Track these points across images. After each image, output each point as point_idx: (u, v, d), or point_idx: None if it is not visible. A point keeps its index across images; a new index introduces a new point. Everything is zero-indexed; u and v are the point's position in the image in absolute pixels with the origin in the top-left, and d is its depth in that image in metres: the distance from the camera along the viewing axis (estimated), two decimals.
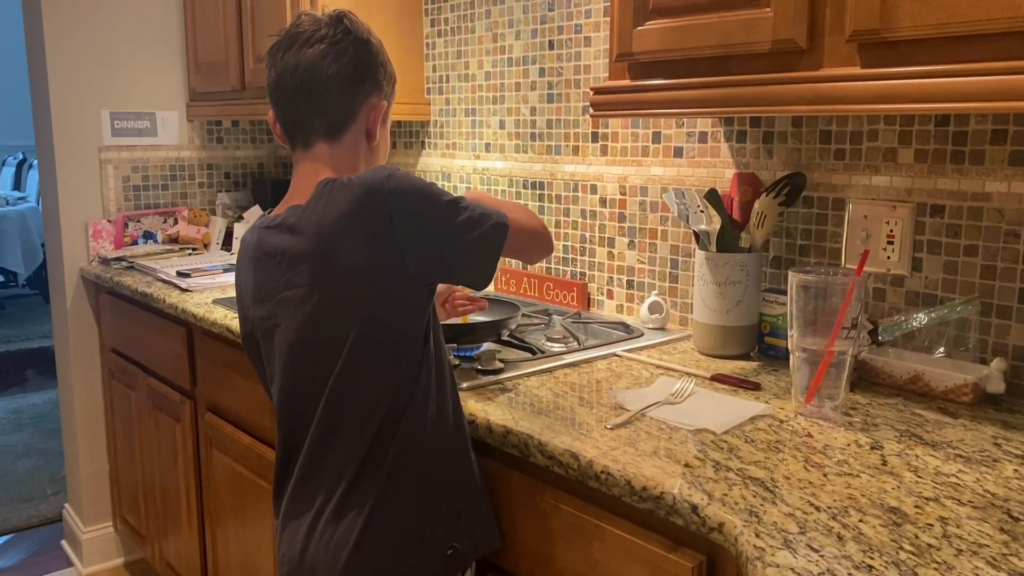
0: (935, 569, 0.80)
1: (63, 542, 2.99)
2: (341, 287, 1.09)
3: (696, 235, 1.56)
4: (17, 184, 7.47)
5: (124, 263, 2.54)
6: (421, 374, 1.14)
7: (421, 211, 1.09)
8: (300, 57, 1.16)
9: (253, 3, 2.37)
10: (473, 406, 1.26)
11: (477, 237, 1.13)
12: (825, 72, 1.14)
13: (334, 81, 1.17)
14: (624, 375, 1.44)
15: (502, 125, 2.15)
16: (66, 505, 2.99)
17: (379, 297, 1.10)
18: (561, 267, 2.04)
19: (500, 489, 1.24)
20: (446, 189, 1.15)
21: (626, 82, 1.42)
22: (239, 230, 2.64)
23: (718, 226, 1.51)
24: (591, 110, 1.49)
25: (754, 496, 0.96)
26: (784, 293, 1.27)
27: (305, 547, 1.15)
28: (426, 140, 2.41)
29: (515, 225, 1.19)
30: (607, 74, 1.49)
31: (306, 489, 1.18)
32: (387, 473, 1.13)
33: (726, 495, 0.96)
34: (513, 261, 2.15)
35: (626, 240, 1.88)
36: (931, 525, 0.89)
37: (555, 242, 2.04)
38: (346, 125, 1.20)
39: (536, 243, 1.28)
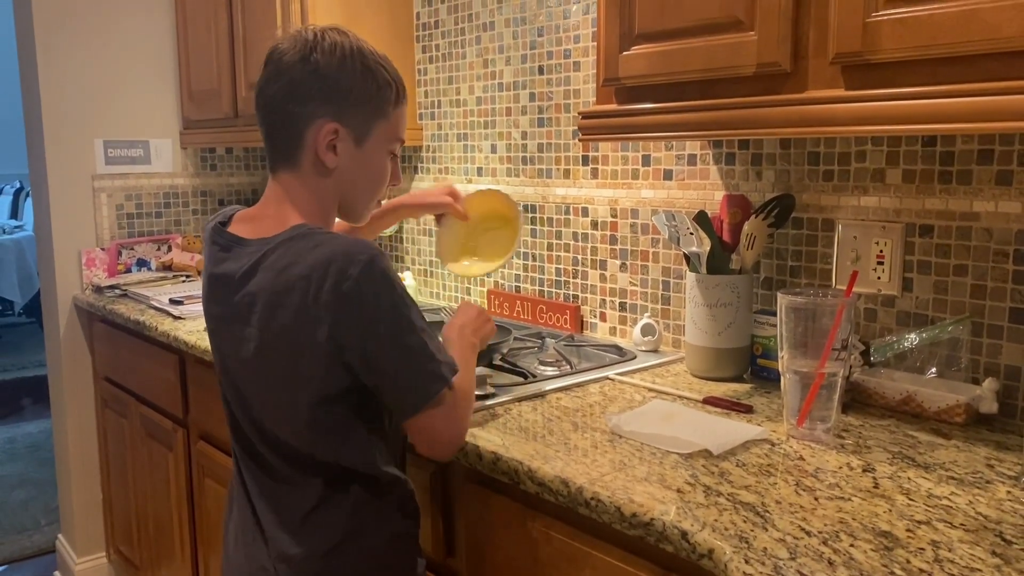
0: None
1: (56, 573, 2.96)
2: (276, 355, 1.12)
3: (687, 257, 1.56)
4: (14, 213, 7.49)
5: (117, 291, 2.54)
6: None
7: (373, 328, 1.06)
8: (258, 79, 1.16)
9: (245, 31, 2.38)
10: None
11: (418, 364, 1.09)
12: (810, 94, 1.14)
13: (273, 103, 1.13)
14: (617, 399, 1.43)
15: (494, 149, 2.16)
16: (59, 535, 2.96)
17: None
18: (554, 290, 2.04)
19: (490, 515, 1.23)
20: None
21: (613, 106, 1.42)
22: None
23: (708, 248, 1.51)
24: (580, 134, 1.49)
25: (744, 521, 0.95)
26: (776, 315, 1.27)
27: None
28: (419, 165, 2.41)
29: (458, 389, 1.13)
30: (596, 98, 1.49)
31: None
32: (348, 511, 1.14)
33: (716, 521, 0.95)
34: (508, 283, 2.15)
35: (618, 262, 1.88)
36: (923, 549, 0.88)
37: (548, 265, 2.04)
38: (294, 149, 1.14)
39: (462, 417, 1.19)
